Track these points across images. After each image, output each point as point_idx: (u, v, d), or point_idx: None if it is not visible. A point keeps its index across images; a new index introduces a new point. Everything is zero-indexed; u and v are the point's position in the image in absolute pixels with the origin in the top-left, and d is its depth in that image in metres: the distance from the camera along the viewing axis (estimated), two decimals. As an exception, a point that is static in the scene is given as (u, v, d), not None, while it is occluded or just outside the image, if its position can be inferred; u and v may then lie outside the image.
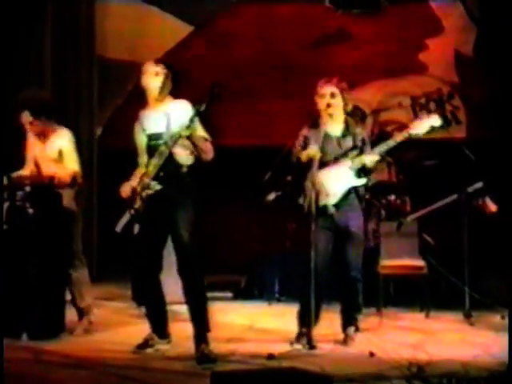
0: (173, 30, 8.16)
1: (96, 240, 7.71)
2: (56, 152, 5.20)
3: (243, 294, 6.85)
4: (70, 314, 5.28)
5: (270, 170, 6.25)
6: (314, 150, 4.79)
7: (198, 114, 4.40)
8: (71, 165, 5.20)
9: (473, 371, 4.09)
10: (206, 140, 4.50)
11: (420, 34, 8.14)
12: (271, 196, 6.41)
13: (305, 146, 4.89)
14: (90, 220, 7.11)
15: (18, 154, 5.35)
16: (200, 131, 4.52)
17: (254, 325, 5.56)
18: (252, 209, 6.88)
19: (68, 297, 5.30)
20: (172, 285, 4.79)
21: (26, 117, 5.20)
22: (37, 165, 5.24)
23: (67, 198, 5.19)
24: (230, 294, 6.82)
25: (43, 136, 5.27)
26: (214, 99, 4.37)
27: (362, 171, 4.91)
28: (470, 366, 4.19)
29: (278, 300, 6.55)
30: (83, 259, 5.35)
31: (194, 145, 4.46)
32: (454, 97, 8.08)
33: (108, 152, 7.93)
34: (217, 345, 4.51)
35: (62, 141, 5.23)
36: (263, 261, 6.98)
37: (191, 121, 4.38)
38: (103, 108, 8.09)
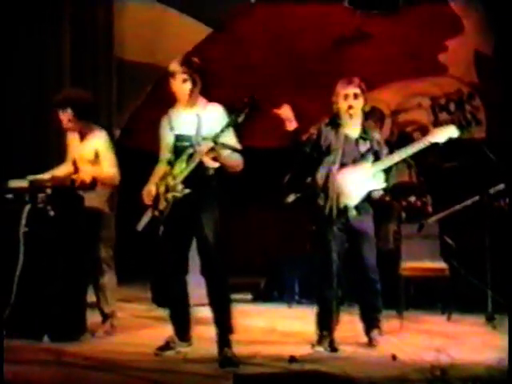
0: (191, 31, 8.13)
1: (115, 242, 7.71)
2: (92, 153, 5.18)
3: (263, 296, 6.83)
4: (93, 317, 5.28)
5: (290, 172, 6.23)
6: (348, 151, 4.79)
7: (234, 123, 4.38)
8: (107, 167, 5.17)
9: (497, 375, 4.07)
10: (235, 151, 4.46)
11: (439, 35, 8.09)
12: (291, 198, 6.39)
13: (328, 147, 4.87)
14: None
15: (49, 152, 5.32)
16: (232, 140, 4.47)
17: (275, 327, 5.54)
18: (271, 210, 6.88)
19: (93, 299, 5.29)
20: (194, 286, 4.78)
21: (68, 115, 5.17)
22: (75, 165, 5.24)
23: (99, 200, 5.16)
24: (249, 296, 6.80)
25: (81, 136, 5.27)
26: (254, 109, 4.33)
27: (381, 174, 4.89)
28: (493, 369, 4.16)
29: (298, 302, 6.53)
30: (112, 264, 5.31)
31: (222, 162, 4.44)
32: (473, 97, 8.04)
33: (126, 154, 7.92)
34: (238, 347, 4.49)
35: (99, 142, 5.21)
36: (283, 262, 6.95)
37: (223, 130, 4.35)
38: (121, 110, 8.10)
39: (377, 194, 4.96)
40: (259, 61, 8.20)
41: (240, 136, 4.53)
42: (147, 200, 4.58)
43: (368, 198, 4.91)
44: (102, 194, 5.17)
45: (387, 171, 4.91)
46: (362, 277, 4.91)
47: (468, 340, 5.16)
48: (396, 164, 4.95)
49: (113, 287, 5.32)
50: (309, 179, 5.42)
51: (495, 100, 8.03)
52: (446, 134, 4.94)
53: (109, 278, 5.27)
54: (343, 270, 4.81)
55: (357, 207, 4.84)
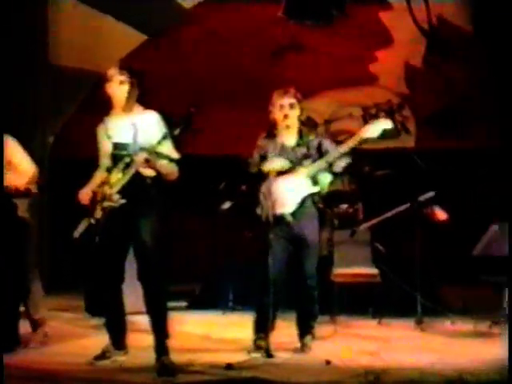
0: (127, 38, 8.11)
1: (47, 251, 7.61)
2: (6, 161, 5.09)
3: (198, 303, 6.85)
4: (24, 327, 5.18)
5: (225, 179, 6.28)
6: (282, 163, 4.85)
7: (171, 137, 4.39)
8: (25, 172, 5.08)
9: (429, 378, 4.20)
10: (171, 160, 4.46)
11: (370, 46, 8.29)
12: (226, 205, 6.45)
13: (264, 157, 4.94)
14: (41, 231, 7.00)
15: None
16: (168, 149, 4.47)
17: (211, 334, 5.57)
18: (207, 217, 6.90)
19: (21, 309, 5.21)
20: (129, 294, 4.77)
21: None
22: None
23: (22, 209, 5.10)
24: (184, 304, 6.81)
25: None
26: (190, 125, 4.36)
27: (316, 179, 4.98)
28: (425, 372, 4.29)
29: (233, 309, 6.56)
30: (36, 271, 5.26)
31: (157, 170, 4.46)
32: (403, 107, 8.26)
33: (60, 161, 7.84)
34: (174, 355, 4.48)
35: (10, 150, 5.08)
36: (217, 270, 7.00)
37: (159, 143, 4.36)
38: (56, 117, 8.00)
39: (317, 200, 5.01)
40: (197, 68, 8.22)
41: (177, 144, 4.56)
42: (83, 201, 4.55)
43: (314, 205, 4.98)
44: (22, 202, 5.10)
45: (323, 175, 4.97)
46: (300, 283, 4.98)
47: (399, 344, 5.28)
48: (331, 165, 4.97)
49: (39, 293, 5.25)
50: (243, 186, 5.48)
51: (424, 110, 8.32)
52: (379, 127, 4.94)
53: (35, 285, 5.21)
54: (286, 276, 4.89)
55: (295, 213, 4.89)
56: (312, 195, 4.97)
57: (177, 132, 4.37)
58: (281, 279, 4.83)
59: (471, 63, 8.38)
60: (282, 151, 4.95)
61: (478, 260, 5.92)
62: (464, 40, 8.41)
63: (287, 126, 4.96)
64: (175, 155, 4.51)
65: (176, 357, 4.49)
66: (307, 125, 5.20)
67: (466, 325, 5.80)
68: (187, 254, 7.80)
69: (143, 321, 4.69)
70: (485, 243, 5.96)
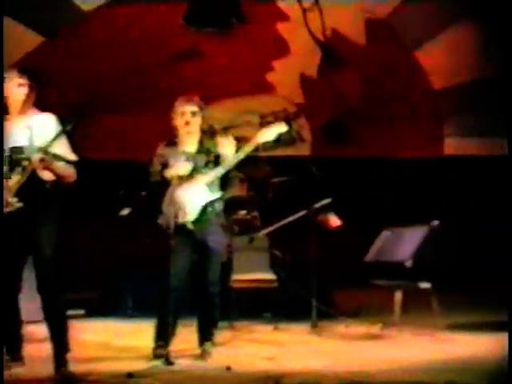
0: (24, 39, 7.91)
1: None
2: None
3: (96, 311, 6.76)
4: None
5: (125, 185, 6.24)
6: (185, 168, 4.87)
7: (64, 132, 4.34)
8: None
9: (325, 381, 4.33)
10: (68, 162, 4.42)
11: (268, 56, 8.46)
12: (125, 211, 6.41)
13: (165, 165, 4.95)
14: None
15: None
16: (65, 150, 4.43)
17: (110, 343, 5.53)
18: (105, 224, 6.83)
19: None
20: (26, 302, 4.66)
21: None
22: None
23: None
24: (82, 312, 6.70)
25: None
26: (82, 119, 4.32)
27: (216, 186, 5.03)
28: (322, 375, 4.42)
29: (132, 316, 6.52)
30: None
31: (54, 172, 4.39)
32: (299, 116, 8.46)
33: None
34: (73, 365, 4.42)
35: None
36: (116, 277, 6.94)
37: (53, 140, 4.31)
38: None
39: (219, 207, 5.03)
40: (95, 70, 8.10)
41: (75, 147, 4.51)
42: None
43: (216, 212, 5.02)
44: None
45: (223, 182, 5.04)
46: (202, 290, 5.02)
47: (296, 348, 5.41)
48: (229, 173, 5.04)
49: None
50: (143, 192, 5.48)
51: (319, 120, 8.56)
52: (274, 131, 5.07)
53: None
54: (188, 283, 4.91)
55: (197, 221, 4.93)
56: (213, 202, 5.03)
57: (69, 127, 4.33)
58: (183, 286, 4.86)
59: (362, 75, 8.70)
60: (183, 159, 4.98)
61: (370, 265, 6.16)
62: (357, 52, 8.72)
63: (188, 134, 5.00)
64: (72, 157, 4.46)
65: (75, 367, 4.43)
66: (208, 133, 5.26)
67: (359, 328, 6.01)
68: (85, 261, 7.68)
69: (42, 330, 4.60)
70: (377, 249, 6.22)
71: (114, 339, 5.64)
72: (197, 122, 5.01)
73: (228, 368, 4.59)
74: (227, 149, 5.10)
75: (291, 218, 6.17)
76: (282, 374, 4.37)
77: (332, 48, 8.68)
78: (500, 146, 8.93)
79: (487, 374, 4.12)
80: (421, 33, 8.93)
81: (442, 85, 8.93)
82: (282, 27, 8.32)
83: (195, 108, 4.99)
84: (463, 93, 8.92)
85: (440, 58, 8.91)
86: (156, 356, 4.79)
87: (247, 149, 5.00)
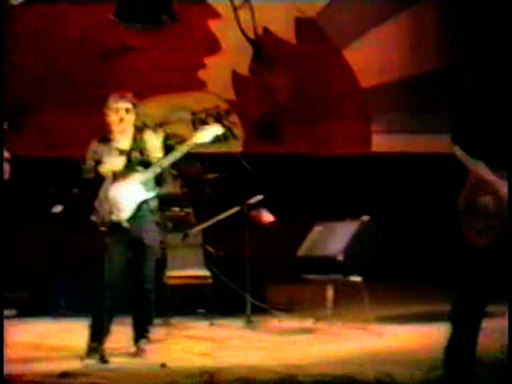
0: None
1: None
2: None
3: (28, 311, 6.63)
4: None
5: (57, 182, 6.15)
6: (119, 164, 4.84)
7: None
8: None
9: (260, 375, 4.37)
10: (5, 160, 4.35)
11: (199, 53, 8.48)
12: (57, 208, 6.32)
13: (98, 161, 4.91)
14: None
15: None
16: None
17: (43, 342, 5.43)
18: (37, 221, 6.71)
19: None
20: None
21: None
22: None
23: None
24: (13, 312, 6.56)
25: None
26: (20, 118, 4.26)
27: (151, 184, 5.02)
28: (257, 370, 4.46)
29: (64, 315, 6.43)
30: None
31: None
32: (231, 113, 8.51)
33: None
34: (6, 366, 4.28)
35: None
36: (48, 275, 6.82)
37: None
38: None
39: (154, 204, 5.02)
40: (24, 67, 7.95)
41: (7, 144, 4.43)
42: None
43: (150, 209, 5.00)
44: None
45: (158, 180, 5.03)
46: (137, 287, 5.00)
47: (231, 343, 5.45)
48: (162, 172, 5.04)
49: None
50: (75, 189, 5.42)
51: (250, 117, 8.62)
52: (210, 132, 5.12)
53: None
54: (123, 281, 4.89)
55: (132, 218, 4.90)
56: (147, 200, 5.02)
57: (5, 125, 4.27)
58: (117, 284, 4.83)
59: (292, 73, 8.82)
60: (117, 155, 4.95)
61: (302, 260, 6.24)
62: (287, 51, 8.83)
63: (122, 130, 4.98)
64: (6, 155, 4.38)
65: (8, 367, 4.32)
66: (141, 129, 5.24)
67: (292, 322, 6.09)
68: (16, 260, 7.51)
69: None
70: (309, 244, 6.31)
71: (46, 339, 5.55)
72: (130, 119, 4.99)
73: (163, 365, 4.59)
74: (157, 145, 5.10)
75: (225, 214, 6.20)
76: (218, 370, 4.38)
77: (263, 46, 8.77)
78: (429, 143, 9.22)
79: (418, 365, 4.23)
80: (349, 32, 9.11)
81: (370, 83, 9.13)
82: (213, 25, 8.36)
83: (129, 105, 4.97)
84: (391, 91, 9.15)
85: (368, 57, 9.11)
86: (90, 354, 4.75)
87: (183, 149, 5.04)
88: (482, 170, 3.85)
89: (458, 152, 3.93)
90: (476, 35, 8.88)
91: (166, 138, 5.70)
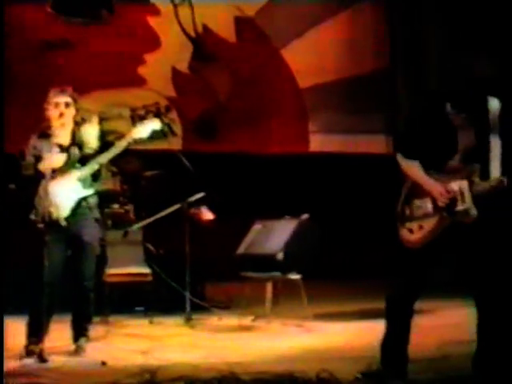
0: None
1: None
2: None
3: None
4: None
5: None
6: (59, 160, 4.78)
7: None
8: None
9: (201, 373, 4.37)
10: None
11: (139, 49, 8.42)
12: (-8, 205, 6.17)
13: (38, 157, 4.83)
14: None
15: None
16: None
17: (-21, 341, 5.32)
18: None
19: None
20: None
21: None
22: None
23: None
24: None
25: None
26: None
27: (89, 181, 4.97)
28: (197, 367, 4.46)
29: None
30: None
31: None
32: (170, 110, 8.47)
33: None
34: None
35: None
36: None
37: None
38: None
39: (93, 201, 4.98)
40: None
41: None
42: None
43: (89, 206, 4.95)
44: None
45: (96, 176, 4.99)
46: (76, 284, 4.95)
47: (171, 341, 5.44)
48: (101, 168, 4.99)
49: None
50: (11, 186, 5.31)
51: (190, 114, 8.61)
52: (148, 127, 5.10)
53: None
54: (62, 279, 4.83)
55: (71, 216, 4.84)
56: (86, 197, 4.96)
57: None
58: (56, 282, 4.77)
59: (232, 71, 8.85)
60: (57, 151, 4.88)
61: (241, 258, 6.29)
62: (226, 49, 8.86)
63: (62, 125, 4.91)
64: None
65: None
66: (80, 124, 5.18)
67: (231, 320, 6.12)
68: None
69: None
70: (248, 241, 6.36)
71: (-18, 338, 5.43)
72: (70, 114, 4.93)
73: (103, 363, 4.56)
74: (94, 138, 5.06)
75: (165, 212, 6.20)
76: (158, 368, 4.36)
77: (203, 44, 8.77)
78: (365, 143, 9.40)
79: (356, 362, 4.31)
80: (288, 31, 9.20)
81: (308, 83, 9.23)
82: (153, 21, 8.32)
83: (69, 99, 4.91)
84: (328, 91, 9.28)
85: (306, 57, 9.21)
86: (28, 353, 4.68)
87: (122, 144, 5.00)
88: (415, 171, 3.97)
89: (399, 158, 4.06)
90: (409, 38, 9.10)
91: (105, 133, 5.68)
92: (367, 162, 9.07)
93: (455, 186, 3.85)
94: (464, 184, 3.84)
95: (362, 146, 9.36)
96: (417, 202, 3.99)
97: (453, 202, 3.85)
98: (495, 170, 3.83)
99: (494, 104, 3.92)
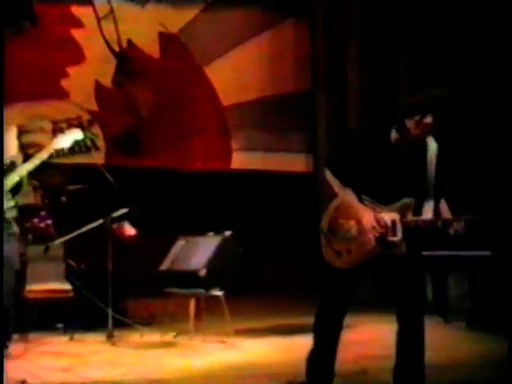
0: None
1: None
2: None
3: None
4: None
5: None
6: None
7: None
8: None
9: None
10: None
11: (63, 62, 8.31)
12: None
13: None
14: None
15: None
16: None
17: None
18: None
19: None
20: None
21: None
22: None
23: None
24: None
25: None
26: None
27: (8, 194, 4.88)
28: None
29: None
30: None
31: None
32: (93, 124, 8.40)
33: None
34: None
35: None
36: None
37: None
38: None
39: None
40: None
41: None
42: None
43: (5, 220, 4.84)
44: None
45: (16, 189, 4.90)
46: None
47: (92, 358, 5.36)
48: (21, 181, 4.92)
49: None
50: None
51: (112, 129, 8.56)
52: (69, 137, 5.08)
53: None
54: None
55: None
56: (5, 211, 4.86)
57: None
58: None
59: (156, 87, 8.86)
60: (-22, 164, 4.78)
61: (165, 274, 6.27)
62: (151, 65, 8.86)
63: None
64: None
65: None
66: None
67: (153, 336, 6.08)
68: None
69: None
70: (171, 258, 6.35)
71: None
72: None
73: (23, 382, 4.45)
74: (13, 151, 4.97)
75: (88, 227, 6.12)
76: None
77: (127, 59, 8.75)
78: (285, 161, 9.56)
79: (278, 378, 4.36)
80: (211, 49, 9.28)
81: (231, 101, 9.33)
82: (77, 33, 8.23)
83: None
84: (251, 109, 9.40)
85: (229, 75, 9.31)
86: None
87: (42, 155, 4.93)
88: (348, 196, 3.97)
89: (328, 176, 4.04)
90: (332, 57, 9.33)
91: (25, 146, 5.60)
92: (288, 180, 9.23)
93: (387, 217, 3.86)
94: (396, 216, 3.86)
95: (283, 164, 9.51)
96: (344, 223, 4.00)
97: (384, 233, 3.86)
98: (428, 208, 3.88)
99: (433, 145, 3.94)
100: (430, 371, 4.00)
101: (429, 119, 3.81)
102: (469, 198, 6.95)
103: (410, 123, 3.84)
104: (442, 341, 4.97)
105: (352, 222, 3.97)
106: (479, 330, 6.36)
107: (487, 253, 6.41)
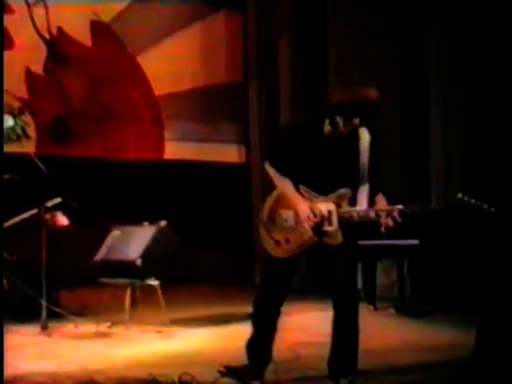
0: None
1: None
2: None
3: None
4: None
5: None
6: None
7: None
8: None
9: (59, 381, 4.31)
10: None
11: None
12: None
13: None
14: None
15: None
16: None
17: None
18: None
19: None
20: None
21: None
22: None
23: None
24: None
25: None
26: None
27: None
28: (55, 376, 4.40)
29: None
30: None
31: None
32: (24, 112, 8.22)
33: None
34: None
35: None
36: None
37: None
38: None
39: None
40: None
41: None
42: None
43: None
44: None
45: None
46: None
47: (27, 350, 5.29)
48: None
49: None
50: None
51: (43, 117, 8.40)
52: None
53: None
54: None
55: None
56: None
57: None
58: None
59: (87, 75, 8.75)
60: None
61: (99, 264, 6.23)
62: (82, 53, 8.75)
63: None
64: None
65: None
66: None
67: (88, 327, 6.03)
68: None
69: None
70: (107, 247, 6.31)
71: None
72: None
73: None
74: None
75: (21, 217, 6.03)
76: (14, 377, 4.29)
77: (58, 46, 8.61)
78: (218, 152, 9.60)
79: (214, 365, 4.41)
80: (144, 39, 9.23)
81: (163, 90, 9.30)
82: (6, 20, 8.02)
83: None
84: (184, 99, 9.39)
85: (162, 65, 9.28)
86: None
87: None
88: (285, 186, 4.06)
89: (268, 168, 4.14)
90: (265, 49, 9.41)
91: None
92: (221, 170, 9.28)
93: (323, 207, 3.95)
94: (332, 207, 3.95)
95: (216, 155, 9.55)
96: (282, 213, 4.08)
97: (320, 222, 3.95)
98: (362, 199, 3.98)
99: (365, 135, 4.04)
100: (362, 355, 4.14)
101: (357, 120, 3.93)
102: (398, 188, 7.14)
103: (340, 120, 3.95)
104: (372, 327, 5.10)
105: (290, 212, 4.07)
106: (407, 317, 6.58)
107: (415, 241, 6.65)
